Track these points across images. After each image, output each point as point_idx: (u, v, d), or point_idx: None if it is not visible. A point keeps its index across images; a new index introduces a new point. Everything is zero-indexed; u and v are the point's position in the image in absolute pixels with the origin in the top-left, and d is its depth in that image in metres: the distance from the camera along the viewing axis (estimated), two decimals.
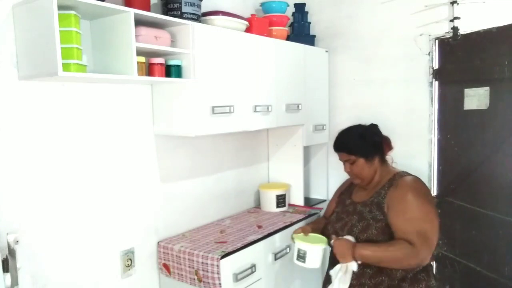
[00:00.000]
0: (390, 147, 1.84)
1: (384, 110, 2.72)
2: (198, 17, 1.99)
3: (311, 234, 1.85)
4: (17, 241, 1.45)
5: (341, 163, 1.86)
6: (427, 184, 1.95)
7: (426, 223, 1.60)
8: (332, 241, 1.71)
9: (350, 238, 1.69)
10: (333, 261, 1.72)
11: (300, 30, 2.79)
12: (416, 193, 1.65)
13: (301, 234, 1.85)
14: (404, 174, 1.77)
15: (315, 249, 1.74)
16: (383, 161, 1.82)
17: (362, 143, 1.77)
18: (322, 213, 2.69)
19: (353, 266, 1.63)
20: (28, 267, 1.59)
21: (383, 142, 1.82)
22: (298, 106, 2.58)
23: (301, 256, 1.77)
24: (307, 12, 2.86)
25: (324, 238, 1.83)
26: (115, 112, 1.91)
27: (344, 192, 1.96)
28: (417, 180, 1.73)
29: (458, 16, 2.32)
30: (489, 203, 2.16)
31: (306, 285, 2.50)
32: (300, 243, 1.78)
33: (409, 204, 1.63)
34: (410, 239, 1.57)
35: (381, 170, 1.79)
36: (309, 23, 2.86)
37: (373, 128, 1.83)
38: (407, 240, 1.58)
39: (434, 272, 1.77)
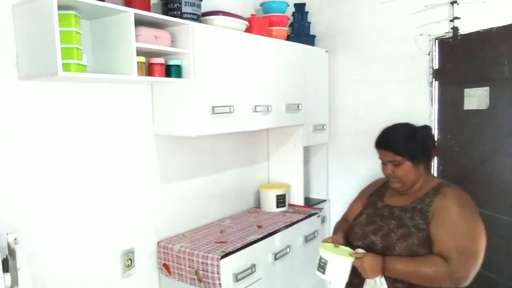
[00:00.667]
0: (439, 154, 1.68)
1: (384, 110, 2.72)
2: (198, 17, 1.99)
3: (342, 247, 1.61)
4: (16, 240, 1.45)
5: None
6: None
7: (470, 239, 1.44)
8: (354, 253, 1.53)
9: (361, 250, 1.55)
10: (356, 272, 1.53)
11: (300, 30, 2.79)
12: (465, 206, 1.51)
13: (330, 244, 1.62)
14: (449, 184, 1.61)
15: (338, 260, 1.52)
16: (428, 168, 1.65)
17: (412, 144, 1.59)
18: (322, 213, 2.69)
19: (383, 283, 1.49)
20: (28, 267, 1.59)
21: (434, 147, 1.64)
22: (298, 106, 2.58)
23: (322, 266, 1.56)
24: (307, 12, 2.86)
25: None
26: (115, 112, 1.91)
27: (374, 194, 1.80)
28: (465, 192, 1.58)
29: (458, 16, 2.33)
30: (489, 203, 2.15)
31: (306, 286, 2.50)
32: (323, 252, 1.56)
33: (455, 216, 1.47)
34: (446, 255, 1.42)
35: (425, 177, 1.62)
36: (309, 23, 2.86)
37: (426, 130, 1.64)
38: (444, 256, 1.43)
39: None
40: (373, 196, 1.79)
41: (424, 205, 1.55)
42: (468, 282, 1.44)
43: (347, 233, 1.72)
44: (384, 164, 1.65)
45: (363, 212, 1.74)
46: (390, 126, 1.69)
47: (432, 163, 1.69)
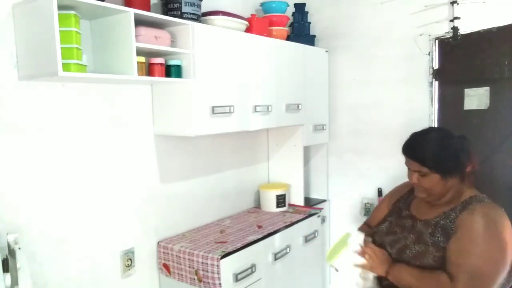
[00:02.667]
0: (473, 167, 1.48)
1: (384, 110, 2.72)
2: (198, 17, 1.99)
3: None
4: (16, 240, 1.45)
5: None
6: None
7: (484, 262, 1.30)
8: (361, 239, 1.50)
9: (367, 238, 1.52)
10: None
11: (300, 30, 2.79)
12: (492, 227, 1.34)
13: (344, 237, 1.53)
14: (483, 199, 1.44)
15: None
16: (462, 180, 1.48)
17: (442, 156, 1.43)
18: (322, 213, 2.69)
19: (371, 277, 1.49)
20: (28, 267, 1.59)
21: (469, 161, 1.47)
22: (298, 106, 2.58)
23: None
24: (307, 12, 2.86)
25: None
26: (115, 112, 1.91)
27: (401, 200, 1.68)
28: (500, 211, 1.41)
29: (458, 16, 2.33)
30: None
31: (306, 285, 2.51)
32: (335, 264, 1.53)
33: (475, 236, 1.33)
34: (452, 273, 1.32)
35: (456, 189, 1.47)
36: (309, 23, 2.86)
37: (461, 141, 1.46)
38: (450, 275, 1.32)
39: None
40: (399, 202, 1.68)
41: (448, 222, 1.41)
42: None
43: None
44: (410, 172, 1.52)
45: (386, 219, 1.64)
46: (421, 131, 1.53)
47: (467, 174, 1.49)
